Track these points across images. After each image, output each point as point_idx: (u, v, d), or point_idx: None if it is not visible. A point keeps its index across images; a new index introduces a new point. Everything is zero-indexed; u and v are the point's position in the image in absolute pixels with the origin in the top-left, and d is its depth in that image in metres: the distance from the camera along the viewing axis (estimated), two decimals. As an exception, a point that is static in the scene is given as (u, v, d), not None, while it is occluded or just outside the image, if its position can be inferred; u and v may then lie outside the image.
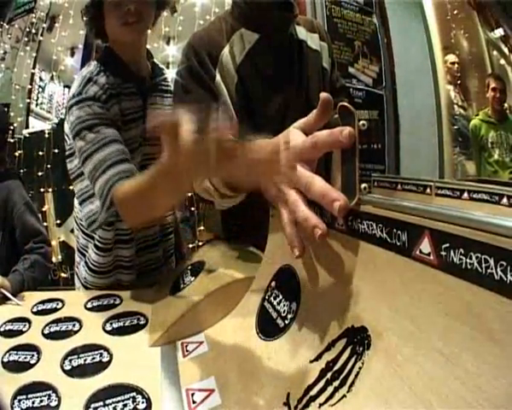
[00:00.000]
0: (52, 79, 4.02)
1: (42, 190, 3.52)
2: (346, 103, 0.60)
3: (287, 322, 0.67)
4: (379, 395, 0.45)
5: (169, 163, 0.65)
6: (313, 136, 0.60)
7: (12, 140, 3.36)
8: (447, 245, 0.41)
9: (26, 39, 4.01)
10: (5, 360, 0.79)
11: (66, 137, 1.27)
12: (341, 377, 0.50)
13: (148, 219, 1.09)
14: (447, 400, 0.38)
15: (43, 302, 1.07)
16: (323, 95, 0.62)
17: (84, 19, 1.29)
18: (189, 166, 0.63)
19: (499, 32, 4.43)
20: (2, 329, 0.93)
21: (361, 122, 0.57)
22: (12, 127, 3.49)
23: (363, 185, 0.58)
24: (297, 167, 0.61)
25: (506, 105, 3.89)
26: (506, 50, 4.43)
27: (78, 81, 1.20)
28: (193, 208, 3.17)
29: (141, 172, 0.97)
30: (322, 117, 0.63)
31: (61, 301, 1.07)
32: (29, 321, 0.96)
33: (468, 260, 0.39)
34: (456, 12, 4.25)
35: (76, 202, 1.35)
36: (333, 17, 3.47)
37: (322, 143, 0.59)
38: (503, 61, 4.44)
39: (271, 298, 0.74)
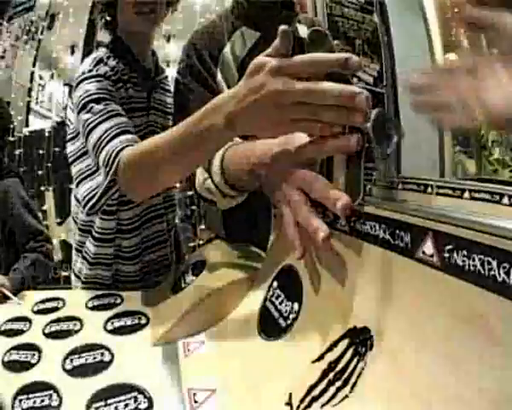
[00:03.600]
0: (52, 77, 4.01)
1: (42, 188, 3.52)
2: None
3: (289, 322, 0.67)
4: (381, 396, 0.45)
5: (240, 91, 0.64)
6: (318, 138, 0.60)
7: (12, 139, 3.35)
8: (450, 247, 0.41)
9: (25, 37, 4.00)
10: (6, 359, 0.79)
11: (68, 122, 1.28)
12: (344, 377, 0.50)
13: (158, 186, 1.02)
14: (449, 401, 0.38)
15: (43, 301, 1.06)
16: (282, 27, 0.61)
17: (98, 6, 1.30)
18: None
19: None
20: (2, 328, 0.93)
21: (368, 124, 0.57)
22: (12, 126, 3.48)
23: (368, 187, 0.58)
24: (299, 167, 0.61)
25: (506, 104, 3.89)
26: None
27: (88, 61, 1.21)
28: (194, 207, 3.16)
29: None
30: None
31: (62, 300, 1.07)
32: (29, 320, 0.96)
33: (470, 262, 0.39)
34: (456, 10, 4.24)
35: (73, 199, 1.35)
36: (333, 15, 3.47)
37: (329, 146, 0.59)
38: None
39: (273, 298, 0.74)
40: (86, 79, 1.15)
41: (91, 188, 1.17)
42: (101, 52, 1.24)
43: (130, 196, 1.07)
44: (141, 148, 0.94)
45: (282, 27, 0.60)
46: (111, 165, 0.99)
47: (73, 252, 1.42)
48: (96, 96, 1.12)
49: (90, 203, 1.10)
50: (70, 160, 1.29)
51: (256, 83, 0.61)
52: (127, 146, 1.00)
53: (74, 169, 1.27)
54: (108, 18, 1.29)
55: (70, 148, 1.29)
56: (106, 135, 1.05)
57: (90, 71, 1.16)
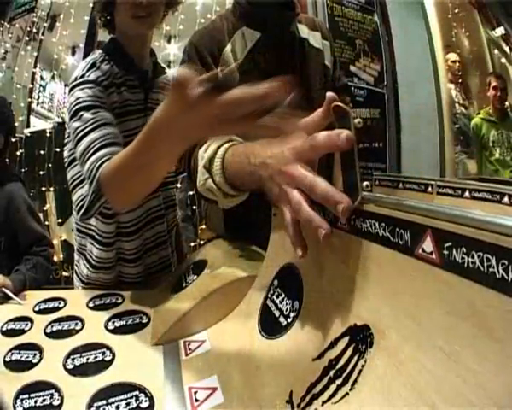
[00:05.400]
0: (53, 78, 4.02)
1: (43, 189, 3.53)
2: (340, 103, 0.60)
3: (289, 320, 0.67)
4: (381, 393, 0.45)
5: (169, 111, 0.66)
6: (312, 137, 0.60)
7: (13, 139, 3.36)
8: (449, 244, 0.42)
9: (27, 38, 4.01)
10: (7, 359, 0.80)
11: (66, 126, 1.28)
12: (344, 375, 0.50)
13: (134, 197, 1.06)
14: (449, 397, 0.39)
15: (44, 301, 1.07)
16: (329, 94, 0.62)
17: (95, 7, 1.30)
18: (187, 119, 0.64)
19: (500, 30, 4.44)
20: (4, 328, 0.93)
21: (356, 120, 0.57)
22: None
23: (365, 183, 0.58)
24: (298, 168, 0.61)
25: (507, 104, 3.90)
26: (507, 49, 4.44)
27: (81, 65, 1.21)
28: (194, 207, 3.17)
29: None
30: (326, 116, 0.63)
31: (63, 300, 1.07)
32: (31, 320, 0.96)
33: (470, 259, 0.39)
34: (456, 11, 4.25)
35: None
36: (334, 16, 3.47)
37: (321, 145, 0.59)
38: (503, 60, 4.45)
39: (274, 296, 0.74)
40: (78, 85, 1.16)
41: (82, 196, 1.18)
42: (96, 54, 1.24)
43: (113, 207, 1.10)
44: (114, 162, 0.96)
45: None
46: (92, 178, 1.02)
47: (75, 253, 1.43)
48: (85, 103, 1.13)
49: (81, 211, 1.11)
50: (65, 164, 1.30)
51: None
52: (109, 159, 1.01)
53: (68, 175, 1.29)
54: (108, 17, 1.29)
55: (65, 153, 1.30)
56: (91, 147, 1.06)
57: (82, 76, 1.17)
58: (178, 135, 0.69)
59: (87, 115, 1.11)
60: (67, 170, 1.30)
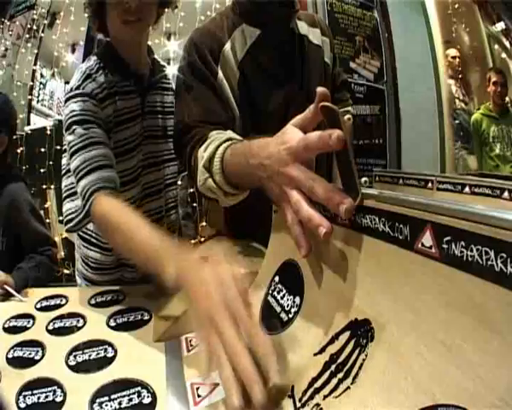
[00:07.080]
0: (53, 75, 4.01)
1: (44, 186, 3.53)
2: (326, 103, 0.60)
3: (290, 316, 0.67)
4: (382, 386, 0.45)
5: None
6: (305, 138, 0.61)
7: (14, 137, 3.35)
8: (448, 238, 0.42)
9: (27, 36, 4.00)
10: (10, 356, 0.80)
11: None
12: (345, 369, 0.50)
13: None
14: (449, 389, 0.39)
15: (46, 299, 1.07)
16: (320, 89, 0.62)
17: (86, 12, 1.26)
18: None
19: (500, 25, 4.43)
20: (6, 325, 0.93)
21: (346, 117, 0.57)
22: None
23: (364, 179, 0.58)
24: (296, 169, 0.61)
25: (507, 99, 3.90)
26: (507, 44, 4.43)
27: (77, 75, 1.19)
28: (195, 204, 3.16)
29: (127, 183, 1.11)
30: (318, 113, 0.63)
31: (65, 297, 1.07)
32: (33, 317, 0.96)
33: (469, 253, 0.39)
34: (457, 6, 4.25)
35: None
36: (334, 12, 3.47)
37: (313, 145, 0.59)
38: (504, 55, 4.44)
39: (275, 292, 0.74)
40: (73, 97, 1.15)
41: (70, 210, 1.18)
42: (91, 62, 1.22)
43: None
44: (110, 208, 1.01)
45: None
46: (85, 202, 1.04)
47: (76, 254, 1.43)
48: (79, 117, 1.12)
49: (69, 225, 1.14)
50: (62, 173, 1.30)
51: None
52: (100, 187, 1.04)
53: (62, 183, 1.29)
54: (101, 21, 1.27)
55: (62, 161, 1.30)
56: (84, 166, 1.08)
57: (78, 88, 1.15)
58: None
59: (80, 130, 1.11)
60: (63, 178, 1.30)
